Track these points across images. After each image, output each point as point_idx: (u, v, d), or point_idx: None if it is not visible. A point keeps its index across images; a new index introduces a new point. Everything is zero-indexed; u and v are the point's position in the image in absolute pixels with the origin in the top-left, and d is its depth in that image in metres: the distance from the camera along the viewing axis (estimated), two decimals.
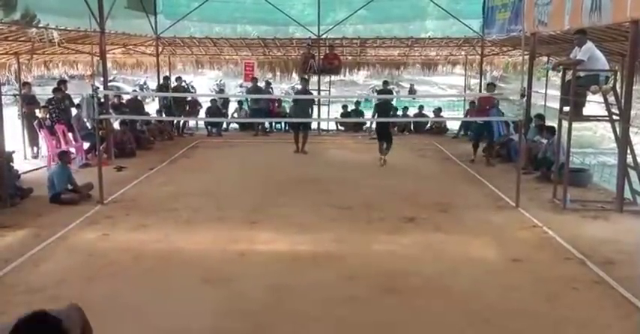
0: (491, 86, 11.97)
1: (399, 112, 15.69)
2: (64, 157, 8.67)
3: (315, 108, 16.32)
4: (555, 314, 4.68)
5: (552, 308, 4.78)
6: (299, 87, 18.65)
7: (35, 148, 11.80)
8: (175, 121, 15.40)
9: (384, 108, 11.58)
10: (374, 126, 15.72)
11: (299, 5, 17.48)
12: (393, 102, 14.35)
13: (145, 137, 13.20)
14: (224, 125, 16.09)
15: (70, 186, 8.30)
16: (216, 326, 4.49)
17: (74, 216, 7.35)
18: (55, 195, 8.06)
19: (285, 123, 15.40)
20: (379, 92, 16.09)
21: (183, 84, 16.33)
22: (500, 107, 18.99)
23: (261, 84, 15.77)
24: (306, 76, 14.61)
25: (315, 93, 15.01)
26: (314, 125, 16.30)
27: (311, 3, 16.03)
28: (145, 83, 26.63)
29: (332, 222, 7.29)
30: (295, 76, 18.23)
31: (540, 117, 11.38)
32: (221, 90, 23.53)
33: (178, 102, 15.12)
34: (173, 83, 15.82)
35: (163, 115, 14.67)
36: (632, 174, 7.75)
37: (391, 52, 18.13)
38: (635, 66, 8.16)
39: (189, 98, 15.85)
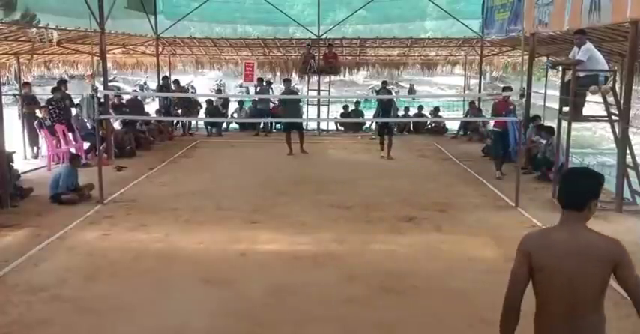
0: (507, 90, 10.59)
1: (401, 112, 15.69)
2: (75, 161, 8.67)
3: (314, 108, 16.42)
4: None
5: None
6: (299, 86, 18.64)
7: (35, 148, 11.81)
8: (179, 121, 15.42)
9: (386, 106, 11.63)
10: (373, 125, 15.81)
11: (299, 5, 17.49)
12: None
13: (145, 137, 13.21)
14: (224, 125, 16.11)
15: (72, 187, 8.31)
16: (216, 326, 4.50)
17: (74, 216, 7.36)
18: (56, 195, 8.07)
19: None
20: (378, 92, 16.13)
21: (184, 85, 16.32)
22: None
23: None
24: (289, 77, 14.68)
25: (300, 92, 15.04)
26: (314, 125, 16.33)
27: (311, 3, 16.03)
28: (145, 83, 26.66)
29: (332, 222, 7.30)
30: (295, 77, 18.25)
31: (538, 117, 11.36)
32: (219, 91, 23.52)
33: (183, 104, 15.11)
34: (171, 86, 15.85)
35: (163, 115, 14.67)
36: (632, 174, 7.76)
37: (391, 52, 18.14)
38: (634, 66, 8.17)
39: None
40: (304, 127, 15.98)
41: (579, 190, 2.48)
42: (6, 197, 7.82)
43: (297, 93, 14.01)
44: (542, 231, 2.62)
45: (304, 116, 15.87)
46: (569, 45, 9.61)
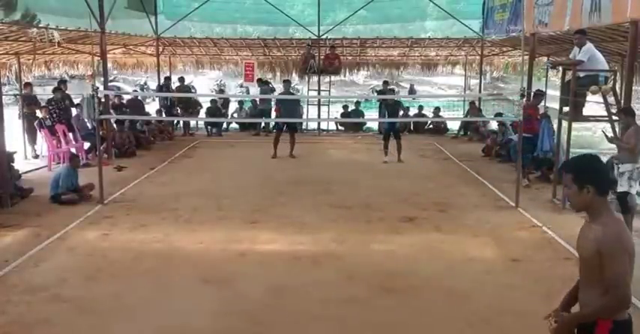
0: (539, 95, 9.87)
1: (401, 112, 15.67)
2: (74, 161, 8.67)
3: (314, 108, 16.40)
4: None
5: (551, 308, 4.77)
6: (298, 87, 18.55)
7: (36, 147, 11.81)
8: (181, 121, 15.43)
9: (393, 107, 11.59)
10: (375, 126, 15.82)
11: (299, 5, 17.50)
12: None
13: (145, 137, 13.22)
14: (224, 125, 16.11)
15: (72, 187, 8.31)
16: (216, 326, 4.50)
17: (74, 216, 7.36)
18: (56, 195, 8.07)
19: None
20: (379, 92, 16.13)
21: (187, 83, 16.36)
22: (499, 107, 19.06)
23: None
24: (289, 78, 14.65)
25: (300, 92, 14.98)
26: (314, 125, 16.32)
27: (311, 3, 16.05)
28: (145, 83, 26.68)
29: (332, 222, 7.30)
30: (296, 77, 18.24)
31: None
32: (221, 91, 23.54)
33: (187, 103, 15.11)
34: (175, 83, 15.85)
35: (163, 115, 14.67)
36: None
37: (391, 52, 18.14)
38: (634, 66, 8.16)
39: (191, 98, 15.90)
40: (303, 128, 16.00)
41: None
42: (6, 197, 7.82)
43: (294, 95, 13.96)
44: (623, 227, 2.63)
45: (304, 116, 15.87)
46: (569, 45, 9.61)
